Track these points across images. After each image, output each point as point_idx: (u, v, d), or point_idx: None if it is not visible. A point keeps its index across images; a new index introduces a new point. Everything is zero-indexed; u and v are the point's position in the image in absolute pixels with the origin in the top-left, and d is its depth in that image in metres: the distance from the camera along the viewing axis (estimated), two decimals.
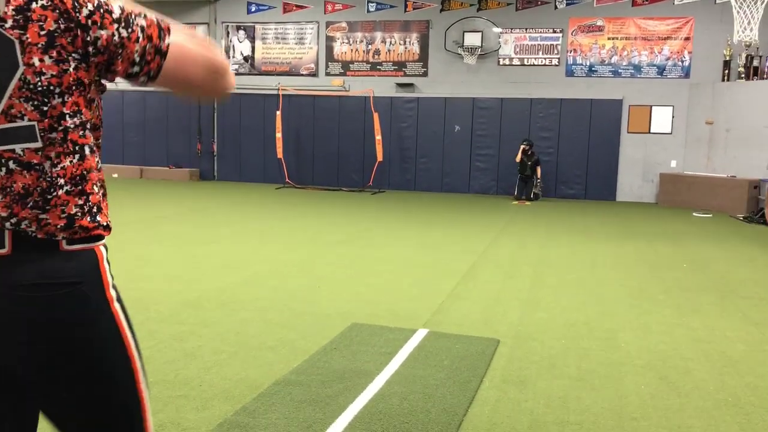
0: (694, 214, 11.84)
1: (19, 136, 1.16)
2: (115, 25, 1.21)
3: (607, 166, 13.95)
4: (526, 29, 14.19)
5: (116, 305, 1.30)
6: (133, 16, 1.23)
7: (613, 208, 12.50)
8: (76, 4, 1.17)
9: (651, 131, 13.78)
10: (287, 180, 14.82)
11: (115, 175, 16.32)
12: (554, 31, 14.07)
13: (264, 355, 3.85)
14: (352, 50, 15.14)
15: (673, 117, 13.65)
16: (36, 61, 1.14)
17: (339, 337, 4.19)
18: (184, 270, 6.09)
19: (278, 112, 14.57)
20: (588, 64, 13.97)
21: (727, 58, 12.99)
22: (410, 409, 3.14)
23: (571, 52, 14.02)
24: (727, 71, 13.03)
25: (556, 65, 14.12)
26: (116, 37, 1.21)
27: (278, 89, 14.76)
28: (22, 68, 1.14)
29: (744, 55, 12.68)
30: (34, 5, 1.13)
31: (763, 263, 7.29)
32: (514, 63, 14.32)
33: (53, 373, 1.25)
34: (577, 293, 5.62)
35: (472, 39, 14.18)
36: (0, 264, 1.18)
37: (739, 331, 4.63)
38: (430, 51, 14.70)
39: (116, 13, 1.22)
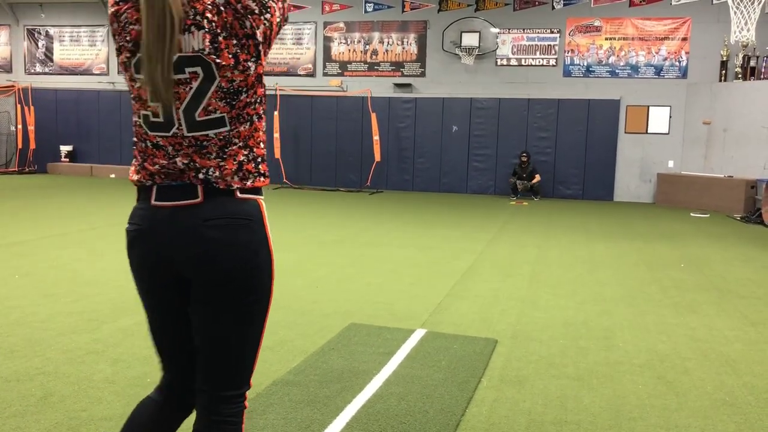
0: (691, 214, 11.86)
1: (212, 124, 1.63)
2: (262, 20, 1.61)
3: (604, 166, 13.97)
4: (524, 30, 14.20)
5: (270, 241, 1.77)
6: (268, 4, 1.62)
7: (610, 208, 12.51)
8: (236, 14, 1.59)
9: (648, 131, 13.80)
10: (285, 180, 14.81)
11: (113, 176, 16.29)
12: (552, 32, 14.09)
13: (262, 355, 3.83)
14: (349, 50, 15.14)
15: (670, 117, 13.67)
16: (228, 74, 1.60)
17: (337, 337, 4.19)
18: None
19: (276, 113, 14.56)
20: (585, 64, 13.98)
21: (725, 59, 13.02)
22: (408, 409, 3.14)
23: (568, 52, 14.04)
24: (724, 71, 13.06)
25: (553, 65, 14.13)
26: (267, 32, 1.64)
27: (276, 89, 14.75)
28: (218, 80, 1.59)
29: (741, 56, 12.71)
30: (219, 38, 1.57)
31: (761, 263, 7.30)
32: (511, 63, 14.33)
33: (219, 284, 1.68)
34: (575, 293, 5.63)
35: (470, 39, 14.19)
36: (195, 207, 1.66)
37: (736, 331, 4.63)
38: (428, 51, 14.70)
39: (259, 7, 1.61)
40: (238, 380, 1.77)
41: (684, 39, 13.49)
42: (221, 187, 1.67)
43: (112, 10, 1.66)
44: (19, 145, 16.90)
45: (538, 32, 14.15)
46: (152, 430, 1.85)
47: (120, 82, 16.68)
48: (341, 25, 15.13)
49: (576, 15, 13.93)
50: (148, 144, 1.70)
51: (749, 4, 10.66)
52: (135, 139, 1.76)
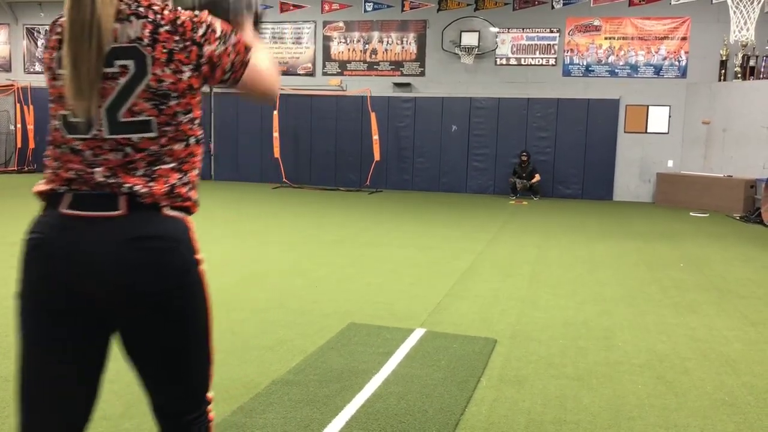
0: (691, 213, 11.86)
1: (137, 128, 1.49)
2: (216, 42, 1.54)
3: (604, 165, 13.97)
4: (523, 29, 14.20)
5: (202, 267, 1.62)
6: (227, 35, 1.57)
7: (610, 208, 12.52)
8: (195, 26, 1.51)
9: (648, 131, 13.80)
10: (284, 180, 14.81)
11: None
12: (551, 31, 14.08)
13: (261, 354, 3.84)
14: (349, 50, 15.13)
15: (669, 117, 13.67)
16: (159, 71, 1.48)
17: (336, 337, 4.18)
18: None
19: (275, 112, 14.55)
20: (585, 64, 13.98)
21: (724, 58, 13.02)
22: (407, 409, 3.13)
23: (568, 52, 14.04)
24: (723, 71, 13.06)
25: (553, 65, 14.13)
26: (217, 51, 1.54)
27: None
28: (148, 77, 1.47)
29: (740, 55, 12.71)
30: (161, 29, 1.48)
31: (761, 263, 7.30)
32: (511, 63, 14.33)
33: (150, 311, 1.53)
34: (575, 293, 5.63)
35: (469, 39, 14.19)
36: (116, 222, 1.50)
37: (736, 331, 4.63)
38: (427, 51, 14.70)
39: (218, 32, 1.55)
40: (196, 396, 1.69)
41: (683, 39, 13.49)
42: (147, 201, 1.50)
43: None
44: (19, 145, 16.89)
45: (538, 32, 14.15)
46: None
47: None
48: (341, 24, 15.13)
49: (575, 14, 13.93)
50: (65, 149, 1.52)
51: (749, 3, 10.66)
52: (50, 146, 1.57)
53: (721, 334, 4.54)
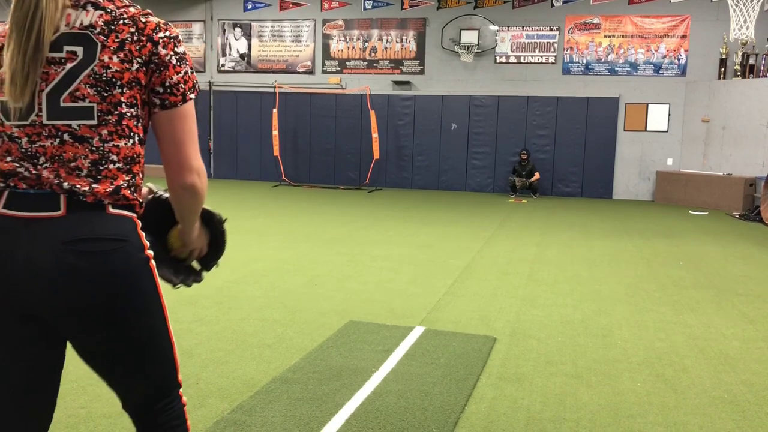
0: (690, 211, 11.87)
1: (78, 113, 1.44)
2: (173, 53, 1.52)
3: (603, 164, 13.97)
4: (523, 27, 14.19)
5: (152, 263, 1.56)
6: (188, 64, 1.56)
7: (609, 206, 12.52)
8: (157, 28, 1.51)
9: (647, 129, 13.80)
10: (284, 178, 14.81)
11: None
12: (551, 29, 14.08)
13: (261, 352, 3.84)
14: (348, 48, 15.13)
15: (669, 115, 13.67)
16: (106, 58, 1.44)
17: (336, 335, 4.19)
18: None
19: (275, 110, 14.55)
20: (584, 62, 13.97)
21: (724, 56, 13.01)
22: (407, 407, 3.14)
23: (567, 50, 14.03)
24: (723, 69, 13.05)
25: (552, 63, 14.12)
26: (167, 59, 1.51)
27: (275, 87, 14.75)
28: (95, 63, 1.43)
29: (740, 53, 12.70)
30: (119, 22, 1.47)
31: (759, 260, 7.31)
32: (510, 61, 14.32)
33: (98, 319, 1.47)
34: (574, 291, 5.63)
35: (469, 37, 14.18)
36: (55, 223, 1.41)
37: (735, 329, 4.64)
38: (427, 49, 14.69)
39: (180, 49, 1.54)
40: (164, 389, 1.65)
41: (683, 37, 13.49)
42: (89, 200, 1.44)
43: None
44: None
45: (537, 30, 14.14)
46: None
47: None
48: (340, 22, 15.12)
49: (575, 12, 13.92)
50: (2, 136, 1.46)
51: (748, 1, 10.66)
52: None
53: (720, 332, 4.54)
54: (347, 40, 15.11)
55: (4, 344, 1.49)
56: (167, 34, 1.52)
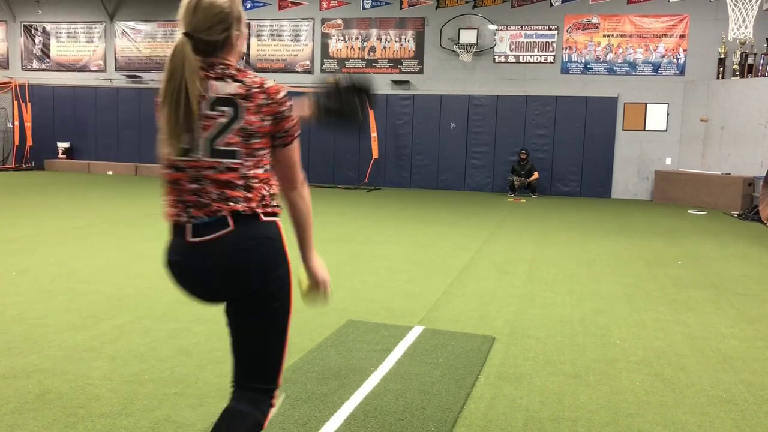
0: (689, 211, 11.87)
1: (228, 155, 1.99)
2: (286, 107, 2.08)
3: (602, 163, 13.98)
4: (522, 26, 14.20)
5: (290, 267, 2.08)
6: (291, 110, 2.10)
7: (608, 206, 12.53)
8: (277, 91, 2.06)
9: (646, 129, 13.81)
10: None
11: (110, 173, 16.27)
12: (550, 29, 14.08)
13: None
14: (347, 47, 15.12)
15: (668, 114, 13.69)
16: (251, 117, 2.01)
17: (335, 334, 4.19)
18: None
19: None
20: (583, 61, 13.98)
21: (722, 56, 13.02)
22: (406, 407, 3.14)
23: (566, 49, 14.04)
24: (721, 69, 13.06)
25: (551, 63, 14.13)
26: (285, 113, 2.08)
27: None
28: (243, 120, 2.00)
29: (739, 53, 12.72)
30: (253, 90, 2.02)
31: (758, 260, 7.32)
32: (509, 60, 14.33)
33: (249, 298, 2.02)
34: (573, 290, 5.63)
35: (468, 36, 14.18)
36: (230, 236, 1.97)
37: (733, 328, 4.64)
38: (426, 48, 14.69)
39: (290, 103, 2.09)
40: (265, 376, 2.10)
41: (682, 36, 13.49)
42: (247, 212, 2.00)
43: None
44: (16, 142, 16.88)
45: (536, 29, 14.15)
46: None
47: (117, 79, 16.65)
48: (339, 21, 15.11)
49: (574, 12, 13.93)
50: (172, 168, 2.04)
51: (747, 1, 10.67)
52: (163, 167, 2.08)
53: (719, 331, 4.55)
54: (346, 39, 15.10)
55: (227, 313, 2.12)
56: (283, 95, 2.09)
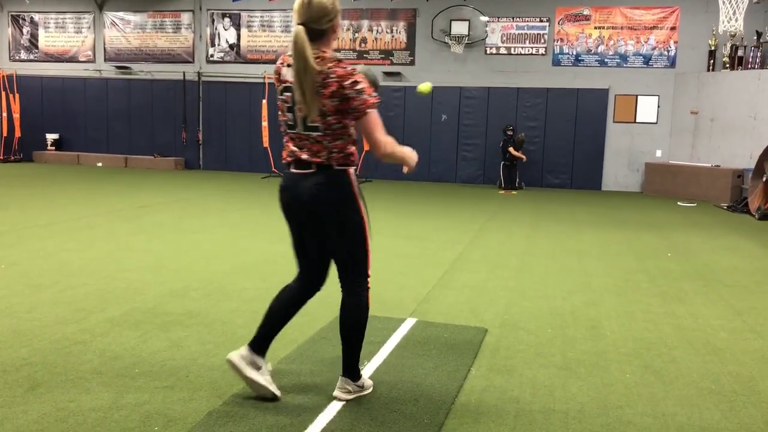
0: (678, 203, 11.94)
1: (314, 130, 2.86)
2: (353, 91, 2.79)
3: (592, 155, 14.02)
4: (513, 18, 14.18)
5: (358, 196, 2.95)
6: (363, 91, 2.80)
7: (598, 198, 12.58)
8: (347, 77, 2.78)
9: (637, 121, 13.85)
10: (273, 169, 14.75)
11: (100, 164, 16.17)
12: (541, 20, 14.08)
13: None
14: (338, 38, 15.04)
15: (658, 106, 13.73)
16: (326, 101, 2.79)
17: (328, 327, 4.19)
18: (170, 260, 6.06)
19: (264, 101, 14.48)
20: (574, 53, 13.99)
21: (713, 48, 13.07)
22: (399, 398, 3.15)
23: (557, 41, 14.04)
24: (712, 61, 13.11)
25: (542, 54, 14.13)
26: (351, 95, 2.79)
27: (264, 78, 14.66)
28: (320, 103, 2.79)
29: (729, 45, 12.76)
30: (328, 80, 2.77)
31: (747, 252, 7.37)
32: (501, 52, 14.32)
33: (327, 224, 2.95)
34: (563, 282, 5.66)
35: (459, 28, 14.16)
36: (312, 175, 2.91)
37: (722, 320, 4.68)
38: (417, 40, 14.66)
39: (359, 86, 2.80)
40: (357, 270, 3.05)
41: (672, 28, 13.52)
42: (325, 164, 2.89)
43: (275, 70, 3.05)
44: (4, 134, 16.72)
45: (528, 21, 14.13)
46: (289, 303, 3.19)
47: (106, 70, 16.52)
48: None
49: (565, 4, 13.92)
50: (286, 137, 3.00)
51: None
52: (283, 135, 3.04)
53: (708, 323, 4.58)
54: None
55: (300, 227, 3.09)
56: (351, 80, 2.76)
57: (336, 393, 3.10)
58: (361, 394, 3.13)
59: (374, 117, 2.82)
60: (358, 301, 3.06)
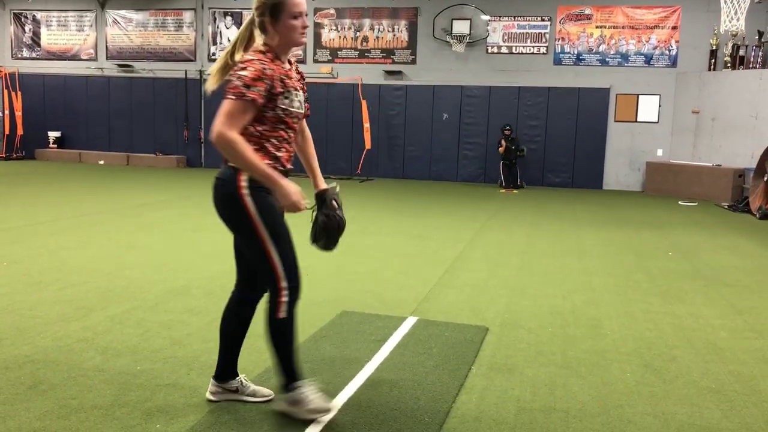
0: (679, 202, 11.93)
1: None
2: (233, 75, 2.73)
3: (593, 154, 14.02)
4: (515, 17, 14.17)
5: (246, 199, 2.72)
6: (241, 77, 2.69)
7: (599, 197, 12.57)
8: (235, 69, 2.74)
9: (638, 120, 13.85)
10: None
11: (101, 162, 16.18)
12: (542, 20, 14.07)
13: (253, 342, 3.83)
14: (340, 37, 15.06)
15: (659, 106, 13.72)
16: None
17: (329, 325, 4.20)
18: (172, 258, 6.07)
19: None
20: (576, 52, 13.98)
21: (714, 48, 13.06)
22: (399, 397, 3.16)
23: (559, 40, 14.03)
24: (713, 60, 13.10)
25: (544, 54, 14.13)
26: (229, 77, 2.77)
27: None
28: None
29: (730, 45, 12.75)
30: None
31: (747, 251, 7.37)
32: (502, 51, 14.31)
33: (224, 223, 2.84)
34: (564, 281, 5.66)
35: (461, 27, 14.15)
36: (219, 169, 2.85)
37: (723, 319, 4.69)
38: (419, 38, 14.65)
39: (240, 72, 2.70)
40: (264, 278, 2.87)
41: (674, 28, 13.51)
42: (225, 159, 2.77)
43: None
44: (7, 131, 16.74)
45: (529, 20, 14.13)
46: (237, 321, 3.06)
47: (108, 68, 16.53)
48: (331, 11, 15.04)
49: (567, 3, 13.91)
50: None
51: None
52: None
53: (708, 323, 4.59)
54: (339, 29, 15.04)
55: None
56: (240, 67, 2.72)
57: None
58: (298, 409, 2.84)
59: (229, 104, 2.62)
60: (269, 311, 2.86)
